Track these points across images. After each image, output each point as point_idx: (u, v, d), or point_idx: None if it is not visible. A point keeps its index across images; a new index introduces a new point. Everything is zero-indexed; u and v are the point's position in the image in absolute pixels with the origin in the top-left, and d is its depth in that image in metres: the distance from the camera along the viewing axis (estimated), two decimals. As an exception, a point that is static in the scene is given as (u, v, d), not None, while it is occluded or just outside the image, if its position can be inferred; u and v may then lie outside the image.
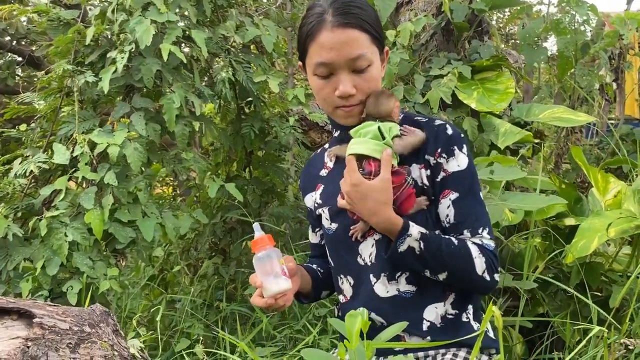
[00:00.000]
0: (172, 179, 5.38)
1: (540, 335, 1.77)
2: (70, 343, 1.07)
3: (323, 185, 1.31)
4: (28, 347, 1.02)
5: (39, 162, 1.89)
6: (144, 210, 2.04)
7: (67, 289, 1.77)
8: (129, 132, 1.99)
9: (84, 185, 1.97)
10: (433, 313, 1.16)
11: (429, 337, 1.15)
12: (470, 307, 1.20)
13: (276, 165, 2.84)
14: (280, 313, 2.19)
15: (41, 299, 1.74)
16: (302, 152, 4.30)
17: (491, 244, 1.16)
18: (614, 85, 3.93)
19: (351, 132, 1.17)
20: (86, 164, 1.87)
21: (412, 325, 1.13)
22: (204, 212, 2.88)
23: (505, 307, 1.83)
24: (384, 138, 1.14)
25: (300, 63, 1.26)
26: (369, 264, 1.19)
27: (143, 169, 2.08)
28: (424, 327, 1.15)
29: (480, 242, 1.14)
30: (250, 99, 2.57)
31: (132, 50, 1.98)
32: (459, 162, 1.16)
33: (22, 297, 1.73)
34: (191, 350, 1.87)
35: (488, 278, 1.13)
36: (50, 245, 1.79)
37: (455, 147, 1.17)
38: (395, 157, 1.14)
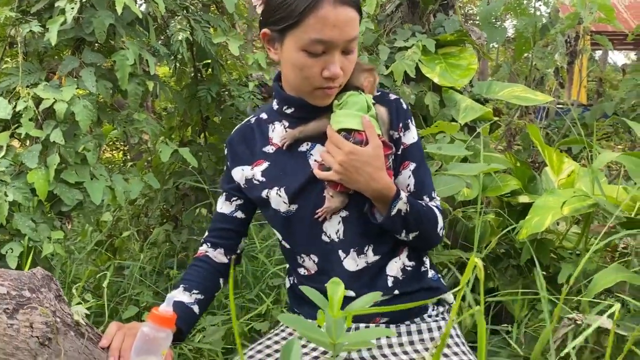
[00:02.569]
0: (122, 142, 5.21)
1: (489, 308, 1.81)
2: (7, 308, 1.00)
3: (268, 163, 1.22)
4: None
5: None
6: (93, 172, 1.94)
7: (6, 252, 1.67)
8: (77, 88, 1.88)
9: (27, 143, 1.85)
10: (393, 268, 1.20)
11: (396, 291, 1.19)
12: (425, 259, 1.28)
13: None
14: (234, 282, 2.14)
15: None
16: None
17: (439, 204, 1.27)
18: (567, 69, 4.01)
19: (336, 102, 1.15)
20: (30, 119, 1.75)
21: (381, 288, 1.16)
22: (156, 177, 2.80)
23: (455, 280, 1.86)
24: (368, 110, 1.13)
25: (265, 31, 1.13)
26: (336, 240, 1.18)
27: (92, 128, 1.98)
28: (389, 284, 1.19)
29: (436, 204, 1.24)
30: (208, 61, 2.48)
31: (84, 0, 1.85)
32: (413, 134, 1.23)
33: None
34: (139, 318, 1.82)
35: (441, 234, 1.25)
36: (-13, 205, 1.68)
37: (409, 121, 1.24)
38: (379, 129, 1.14)
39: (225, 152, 1.31)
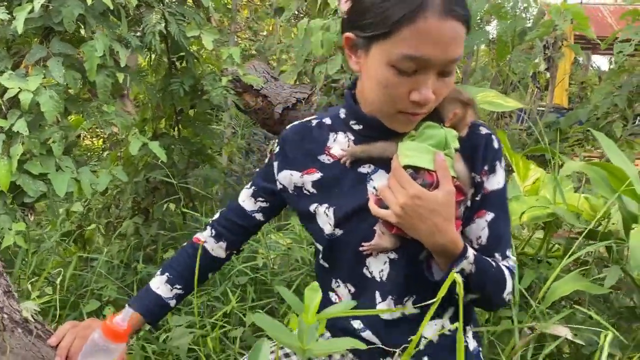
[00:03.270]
0: (102, 130, 5.14)
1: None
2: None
3: (321, 175, 1.06)
4: None
5: (-61, 102, 1.72)
6: (59, 164, 1.92)
7: (-36, 243, 1.64)
8: (45, 78, 1.85)
9: (-10, 133, 1.82)
10: (432, 329, 1.05)
11: (425, 358, 1.04)
12: (469, 326, 1.11)
13: (207, 126, 2.75)
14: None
15: None
16: (240, 115, 4.21)
17: (515, 265, 1.07)
18: (547, 74, 4.05)
19: (412, 132, 0.97)
20: (-7, 109, 1.72)
21: (405, 345, 1.03)
22: (127, 169, 2.77)
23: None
24: (444, 148, 0.95)
25: (349, 35, 0.93)
26: (377, 280, 1.03)
27: (60, 119, 1.95)
28: (421, 346, 1.03)
29: (508, 265, 1.04)
30: (183, 54, 2.46)
31: (52, -11, 1.82)
32: (498, 179, 1.02)
33: None
34: (101, 311, 1.80)
35: (507, 299, 1.04)
36: (-53, 194, 1.65)
37: (497, 163, 1.02)
38: (452, 171, 0.96)
39: (276, 148, 1.14)
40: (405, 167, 0.93)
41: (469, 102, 0.98)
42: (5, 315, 1.04)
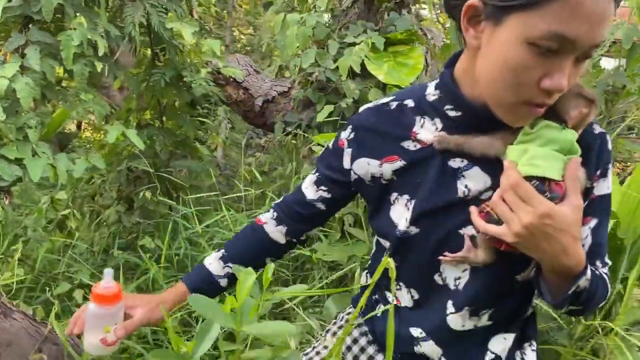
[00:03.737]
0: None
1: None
2: None
3: (404, 163, 0.93)
4: None
5: None
6: (35, 150, 1.97)
7: (-62, 223, 1.69)
8: (23, 65, 1.89)
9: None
10: (500, 344, 0.96)
11: None
12: (533, 342, 1.02)
13: (191, 118, 2.79)
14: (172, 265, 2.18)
15: None
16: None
17: (608, 270, 0.97)
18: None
19: (527, 129, 0.82)
20: (-31, 94, 1.77)
21: (471, 357, 0.95)
22: (111, 158, 2.82)
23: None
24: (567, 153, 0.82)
25: (475, 2, 0.77)
26: (451, 288, 0.92)
27: (38, 105, 2.00)
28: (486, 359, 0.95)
29: (606, 272, 0.95)
30: (164, 45, 2.50)
31: (32, -22, 1.87)
32: (608, 184, 0.91)
33: None
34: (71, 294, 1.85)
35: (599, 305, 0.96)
36: None
37: (609, 165, 0.91)
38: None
39: (347, 134, 1.00)
40: (528, 177, 0.78)
41: (594, 99, 0.83)
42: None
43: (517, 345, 0.99)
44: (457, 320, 0.93)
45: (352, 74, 2.15)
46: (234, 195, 2.73)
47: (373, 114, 0.98)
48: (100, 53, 2.06)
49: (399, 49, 2.29)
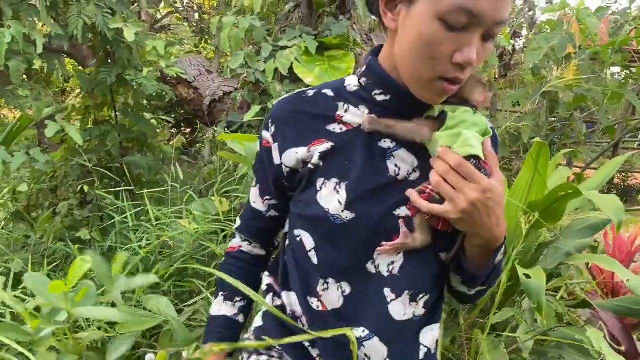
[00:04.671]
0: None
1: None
2: None
3: (331, 144, 0.89)
4: None
5: None
6: (-29, 142, 2.06)
7: None
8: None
9: None
10: (429, 336, 0.95)
11: None
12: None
13: (142, 115, 2.87)
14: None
15: None
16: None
17: None
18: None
19: (450, 114, 0.86)
20: None
21: (407, 356, 0.92)
22: (68, 153, 2.91)
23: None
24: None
25: None
26: (385, 275, 0.89)
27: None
28: (421, 356, 0.93)
29: None
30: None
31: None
32: None
33: None
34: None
35: None
36: None
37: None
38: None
39: (269, 131, 0.95)
40: (467, 158, 0.83)
41: (487, 84, 0.91)
42: None
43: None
44: (399, 308, 0.90)
45: (281, 77, 2.21)
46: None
47: (291, 102, 0.95)
48: (39, 50, 2.15)
49: (334, 54, 2.33)
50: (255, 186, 1.04)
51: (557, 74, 2.48)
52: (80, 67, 2.79)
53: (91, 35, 2.45)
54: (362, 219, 0.87)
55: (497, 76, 3.93)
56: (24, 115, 3.30)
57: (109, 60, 2.67)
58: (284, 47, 2.24)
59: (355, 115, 0.91)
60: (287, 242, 1.00)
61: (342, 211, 0.87)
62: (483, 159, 0.85)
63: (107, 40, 2.53)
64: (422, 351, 0.93)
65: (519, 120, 2.55)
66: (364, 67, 0.94)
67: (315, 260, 0.92)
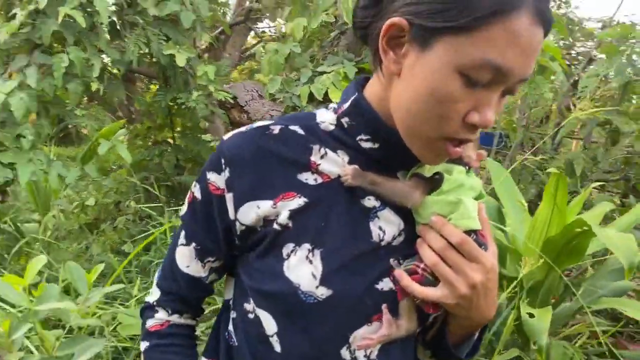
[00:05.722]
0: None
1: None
2: None
3: (305, 200, 0.72)
4: None
5: None
6: (31, 157, 2.25)
7: None
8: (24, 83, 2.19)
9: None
10: None
11: None
12: None
13: (197, 136, 3.00)
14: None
15: None
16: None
17: None
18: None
19: (446, 175, 0.72)
20: (-30, 106, 2.08)
21: None
22: (133, 170, 3.10)
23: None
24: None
25: (398, 21, 0.63)
26: None
27: (38, 118, 2.29)
28: None
29: None
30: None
31: (36, 9, 2.17)
32: None
33: None
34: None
35: None
36: None
37: None
38: None
39: (220, 175, 0.75)
40: (467, 232, 0.70)
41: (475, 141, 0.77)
42: None
43: None
44: None
45: (317, 102, 2.24)
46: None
47: (252, 140, 0.75)
48: (96, 74, 2.32)
49: (375, 78, 2.33)
50: (187, 245, 0.81)
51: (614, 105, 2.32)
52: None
53: (148, 61, 2.62)
54: (340, 297, 0.71)
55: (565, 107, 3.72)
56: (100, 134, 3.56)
57: (167, 85, 2.83)
58: (323, 73, 2.27)
59: (333, 164, 0.74)
60: (231, 316, 0.82)
61: (317, 287, 0.70)
62: (480, 230, 0.71)
63: (162, 65, 2.70)
64: None
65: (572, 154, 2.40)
66: (348, 103, 0.75)
67: (278, 348, 0.74)
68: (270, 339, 0.74)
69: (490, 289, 0.71)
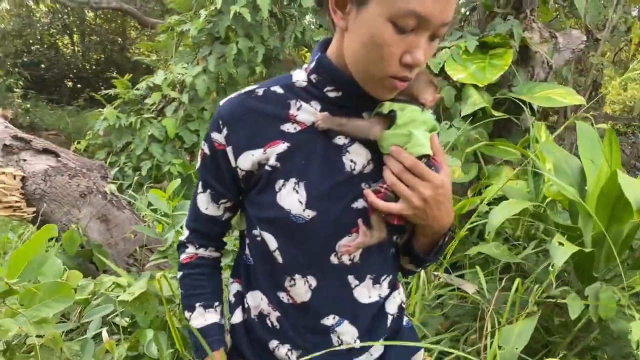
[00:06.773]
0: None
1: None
2: (70, 174, 1.96)
3: (287, 145, 0.89)
4: (48, 169, 1.94)
5: (147, 82, 2.86)
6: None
7: (142, 165, 2.74)
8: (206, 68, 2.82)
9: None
10: (393, 304, 1.03)
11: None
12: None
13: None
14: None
15: (128, 168, 2.75)
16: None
17: None
18: None
19: (399, 112, 0.88)
20: (168, 85, 2.77)
21: (382, 331, 1.00)
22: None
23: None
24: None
25: None
26: (347, 263, 0.93)
27: (217, 95, 2.92)
28: (388, 323, 1.01)
29: None
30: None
31: (215, 8, 2.79)
32: None
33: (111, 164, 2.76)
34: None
35: None
36: (139, 135, 2.77)
37: None
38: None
39: (220, 133, 0.91)
40: (419, 157, 0.86)
41: (438, 84, 0.91)
42: (95, 187, 1.98)
43: (402, 300, 1.08)
44: (362, 293, 0.95)
45: (434, 75, 2.45)
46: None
47: (240, 103, 0.92)
48: (259, 59, 2.87)
49: (497, 52, 2.45)
50: (204, 192, 0.99)
51: None
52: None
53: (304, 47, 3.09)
54: (323, 216, 0.89)
55: None
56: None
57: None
58: (443, 48, 2.47)
59: (308, 113, 0.90)
60: (246, 242, 1.00)
61: (304, 210, 0.88)
62: (432, 155, 0.87)
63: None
64: (389, 319, 1.00)
65: None
66: (313, 63, 0.91)
67: (280, 260, 0.93)
68: (274, 253, 0.92)
69: (442, 202, 0.87)
